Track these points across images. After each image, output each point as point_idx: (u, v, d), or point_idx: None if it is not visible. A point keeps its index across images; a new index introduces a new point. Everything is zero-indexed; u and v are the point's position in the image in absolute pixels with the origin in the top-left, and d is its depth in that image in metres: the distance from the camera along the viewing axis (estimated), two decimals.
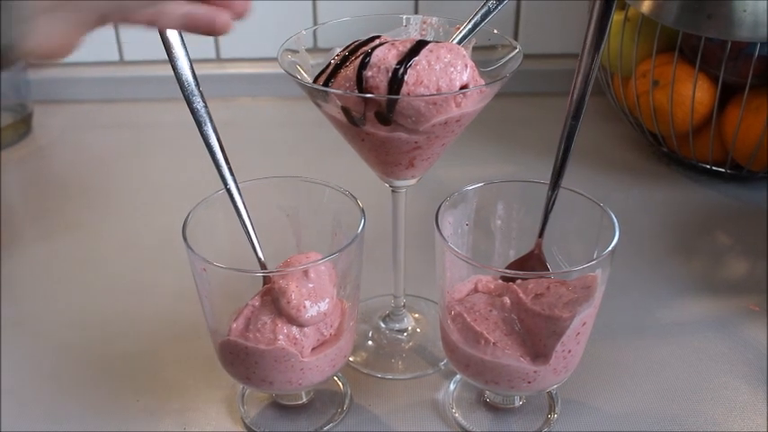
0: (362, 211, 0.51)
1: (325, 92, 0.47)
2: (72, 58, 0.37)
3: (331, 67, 0.49)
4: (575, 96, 0.49)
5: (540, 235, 0.53)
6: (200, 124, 0.48)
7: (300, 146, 0.94)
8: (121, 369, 0.60)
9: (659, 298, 0.67)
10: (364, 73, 0.46)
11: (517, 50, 0.52)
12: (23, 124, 0.97)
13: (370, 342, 0.62)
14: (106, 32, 1.03)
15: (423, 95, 0.45)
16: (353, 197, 0.52)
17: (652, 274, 0.70)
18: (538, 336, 0.49)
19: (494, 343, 0.49)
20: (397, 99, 0.45)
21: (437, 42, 0.48)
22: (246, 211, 0.51)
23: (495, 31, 0.54)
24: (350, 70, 0.47)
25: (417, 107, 0.46)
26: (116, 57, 1.05)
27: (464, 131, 0.51)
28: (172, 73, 0.46)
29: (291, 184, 0.55)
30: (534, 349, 0.49)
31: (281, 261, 0.52)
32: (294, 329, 0.49)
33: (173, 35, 0.45)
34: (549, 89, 1.02)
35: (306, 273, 0.49)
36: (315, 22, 1.01)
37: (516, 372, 0.49)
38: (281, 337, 0.48)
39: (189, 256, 0.48)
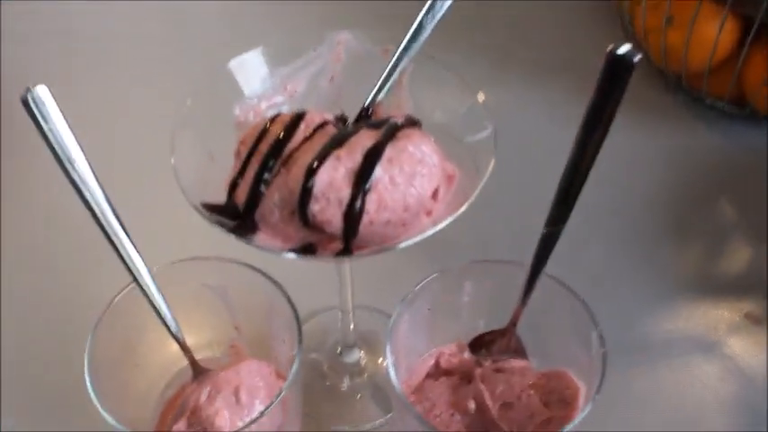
0: (299, 335, 0.42)
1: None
2: None
3: (251, 180, 0.37)
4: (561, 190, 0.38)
5: (524, 303, 0.44)
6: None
7: None
8: None
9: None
10: (309, 208, 0.35)
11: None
12: None
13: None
14: None
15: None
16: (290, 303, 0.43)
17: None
18: None
19: None
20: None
21: (393, 141, 0.36)
22: (166, 305, 0.42)
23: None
24: (282, 189, 0.36)
25: (384, 233, 0.36)
26: None
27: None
28: None
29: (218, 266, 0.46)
30: None
31: (216, 344, 0.46)
32: None
33: None
34: None
35: (236, 393, 0.42)
36: None
37: None
38: None
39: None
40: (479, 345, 0.48)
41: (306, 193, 0.35)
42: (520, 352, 0.47)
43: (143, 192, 0.64)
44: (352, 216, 0.35)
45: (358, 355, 0.56)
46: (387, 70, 0.41)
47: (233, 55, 0.41)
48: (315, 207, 0.35)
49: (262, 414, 0.39)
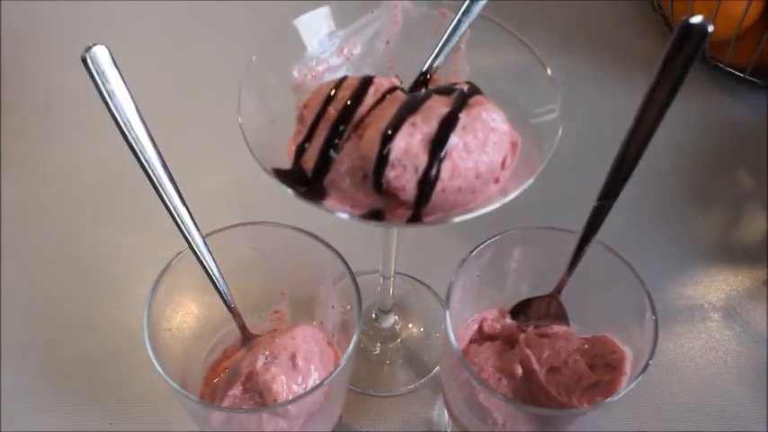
0: (356, 288, 0.42)
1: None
2: None
3: (320, 145, 0.36)
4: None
5: (571, 271, 0.44)
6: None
7: None
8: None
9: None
10: (385, 174, 0.35)
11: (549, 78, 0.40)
12: None
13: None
14: None
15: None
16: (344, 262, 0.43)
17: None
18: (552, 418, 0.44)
19: (502, 424, 0.44)
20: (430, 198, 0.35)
21: (466, 108, 0.36)
22: (218, 270, 0.42)
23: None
24: (353, 155, 0.36)
25: (454, 200, 0.36)
26: None
27: None
28: None
29: (266, 231, 0.45)
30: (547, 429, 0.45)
31: (261, 310, 0.46)
32: (282, 422, 0.43)
33: None
34: None
35: (293, 359, 0.42)
36: None
37: None
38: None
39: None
40: (519, 310, 0.49)
41: (382, 159, 0.34)
42: (561, 317, 0.47)
43: (195, 155, 0.63)
44: (428, 183, 0.35)
45: (393, 320, 0.56)
46: (446, 34, 0.41)
47: (293, 14, 0.40)
48: (391, 174, 0.35)
49: (321, 384, 0.39)
